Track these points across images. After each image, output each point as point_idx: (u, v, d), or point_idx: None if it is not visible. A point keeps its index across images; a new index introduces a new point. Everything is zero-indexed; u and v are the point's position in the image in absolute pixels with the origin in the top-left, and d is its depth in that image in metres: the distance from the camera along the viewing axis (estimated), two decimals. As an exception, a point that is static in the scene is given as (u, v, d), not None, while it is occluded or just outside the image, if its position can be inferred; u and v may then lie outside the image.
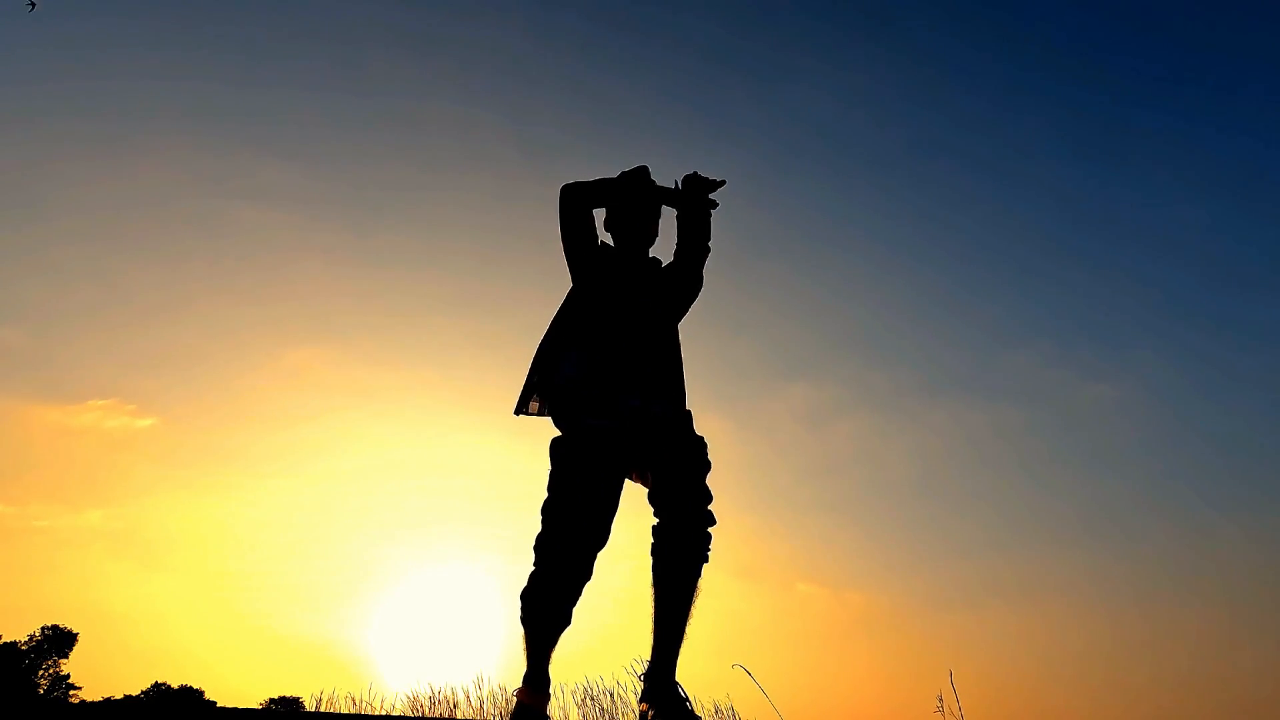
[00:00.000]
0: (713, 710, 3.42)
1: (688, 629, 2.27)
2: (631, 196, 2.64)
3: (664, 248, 2.73)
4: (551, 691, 2.30)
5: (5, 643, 32.56)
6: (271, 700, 24.52)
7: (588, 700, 3.72)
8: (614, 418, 2.35)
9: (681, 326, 2.67)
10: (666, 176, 2.69)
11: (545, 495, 2.31)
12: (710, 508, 2.32)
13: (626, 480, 2.36)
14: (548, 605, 2.24)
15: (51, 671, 33.10)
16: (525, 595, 2.27)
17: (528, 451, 2.60)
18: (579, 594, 2.25)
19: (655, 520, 2.32)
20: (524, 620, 2.26)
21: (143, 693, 32.82)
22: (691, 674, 2.29)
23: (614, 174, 2.66)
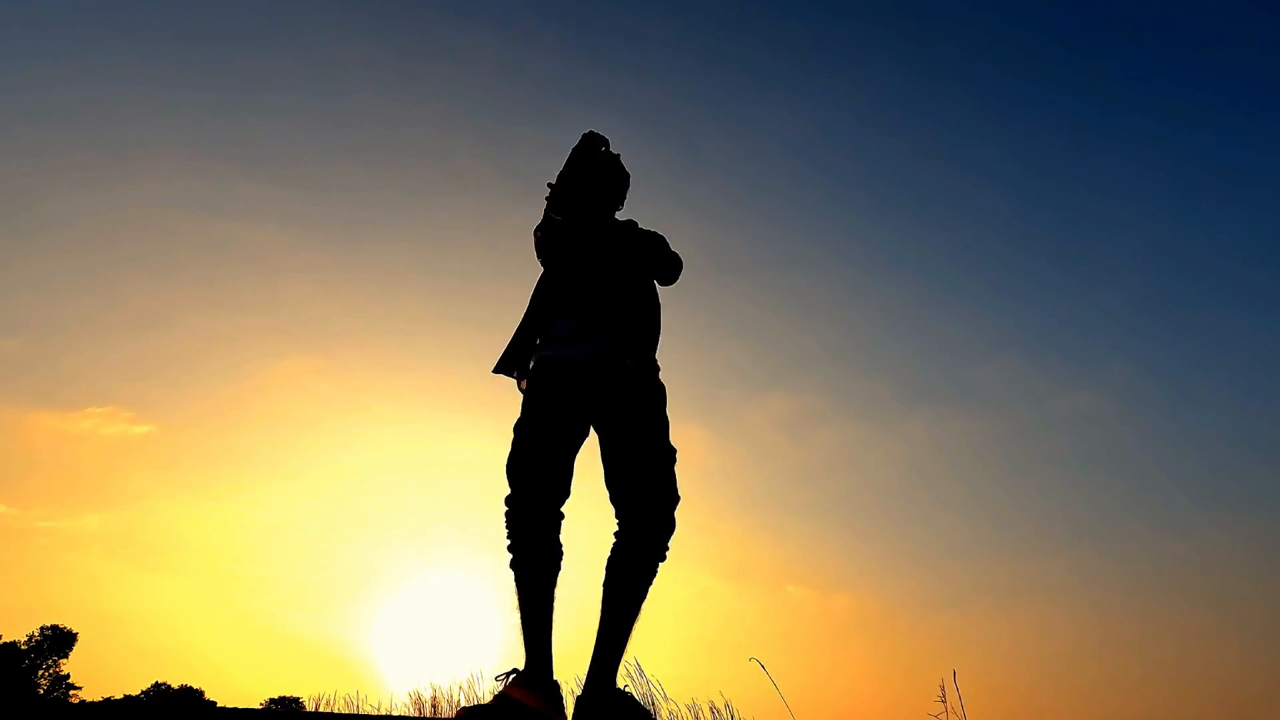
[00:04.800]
0: (709, 712, 3.43)
1: (631, 636, 2.32)
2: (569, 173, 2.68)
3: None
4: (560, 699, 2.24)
5: (5, 643, 32.56)
6: (271, 700, 24.53)
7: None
8: (576, 350, 2.42)
9: (664, 334, 2.63)
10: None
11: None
12: (676, 513, 2.37)
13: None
14: (528, 520, 2.27)
15: (51, 671, 33.10)
16: (508, 518, 2.31)
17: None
18: (557, 509, 2.30)
19: (617, 529, 2.35)
20: (513, 554, 2.28)
21: (143, 693, 32.83)
22: (687, 675, 2.29)
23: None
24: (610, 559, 2.35)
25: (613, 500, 2.37)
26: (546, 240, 2.58)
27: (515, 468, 2.33)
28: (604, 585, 2.34)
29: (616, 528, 2.36)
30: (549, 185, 2.65)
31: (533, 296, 2.62)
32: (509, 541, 2.30)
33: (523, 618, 2.26)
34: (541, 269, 2.64)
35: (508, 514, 2.32)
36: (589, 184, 2.62)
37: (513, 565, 2.29)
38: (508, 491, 2.33)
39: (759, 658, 3.00)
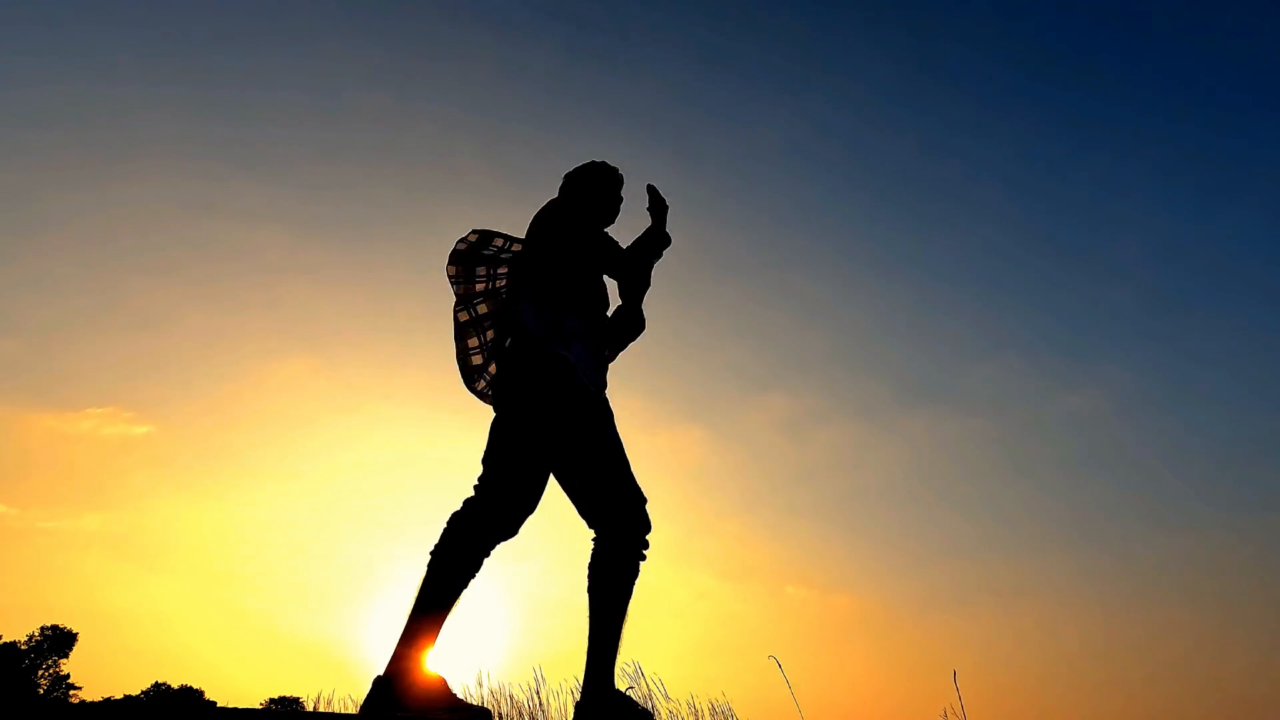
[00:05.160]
0: (708, 710, 3.44)
1: (622, 635, 2.31)
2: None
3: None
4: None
5: (5, 643, 32.55)
6: (271, 700, 24.53)
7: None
8: (595, 376, 2.40)
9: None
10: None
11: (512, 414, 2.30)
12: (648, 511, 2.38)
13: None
14: (498, 535, 2.21)
15: (51, 671, 33.10)
16: (474, 520, 2.21)
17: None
18: (513, 525, 2.23)
19: (601, 534, 2.35)
20: (452, 558, 2.18)
21: (143, 693, 32.83)
22: (687, 676, 2.30)
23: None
24: (595, 563, 2.34)
25: (590, 507, 2.37)
26: (590, 244, 2.48)
27: (514, 475, 2.25)
28: (591, 590, 2.33)
29: (599, 533, 2.36)
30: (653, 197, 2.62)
31: (530, 263, 2.49)
32: (456, 544, 2.19)
33: (429, 621, 2.17)
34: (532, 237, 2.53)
35: (477, 517, 2.22)
36: (608, 219, 2.67)
37: (446, 567, 2.18)
38: (487, 493, 2.25)
39: (757, 659, 3.01)
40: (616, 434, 2.43)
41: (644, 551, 2.36)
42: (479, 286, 2.66)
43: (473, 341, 2.65)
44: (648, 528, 2.37)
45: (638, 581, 2.36)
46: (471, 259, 2.65)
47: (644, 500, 2.39)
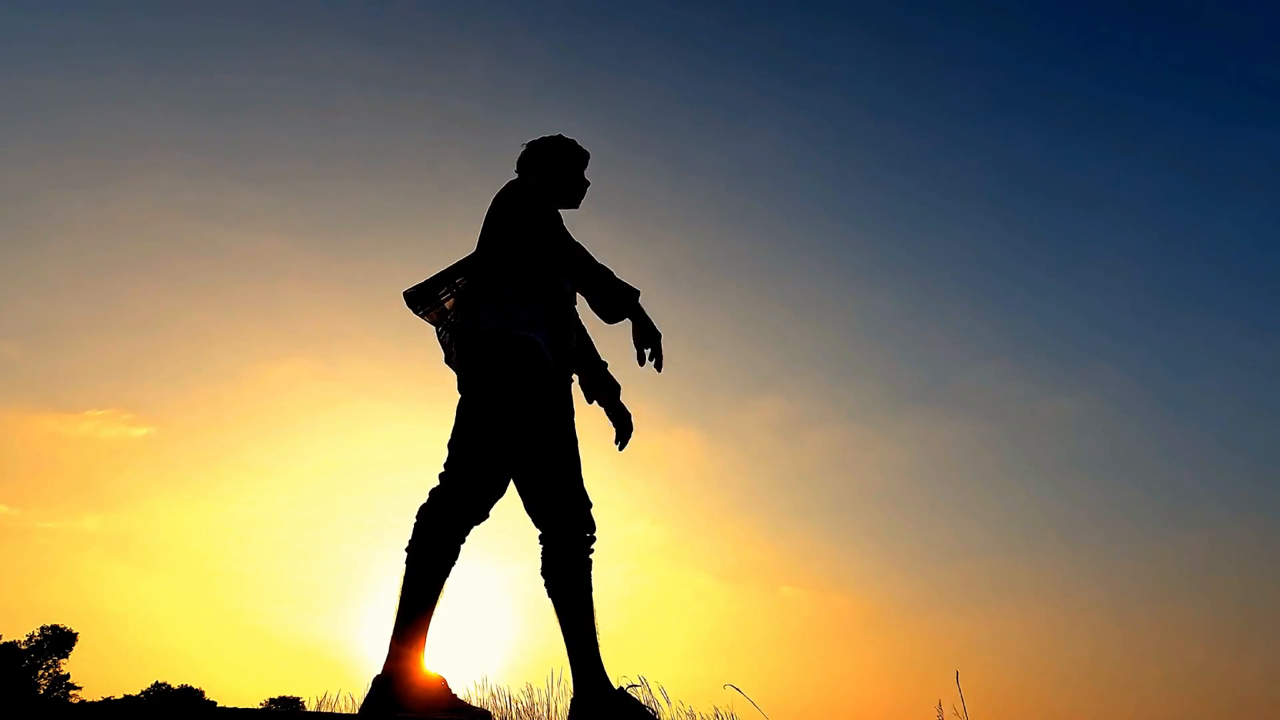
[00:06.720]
0: (713, 716, 3.42)
1: (597, 630, 2.26)
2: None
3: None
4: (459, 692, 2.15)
5: (5, 643, 32.53)
6: (271, 700, 24.52)
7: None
8: (565, 362, 2.38)
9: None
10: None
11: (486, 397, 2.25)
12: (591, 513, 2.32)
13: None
14: (467, 525, 2.20)
15: (51, 671, 33.07)
16: (431, 508, 2.21)
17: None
18: (484, 510, 2.22)
19: (550, 534, 2.29)
20: (427, 556, 2.17)
21: (143, 693, 32.79)
22: (687, 677, 2.27)
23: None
24: (548, 565, 2.27)
25: (538, 503, 2.30)
26: (548, 228, 2.35)
27: (483, 464, 2.22)
28: (553, 592, 2.26)
29: (544, 531, 2.30)
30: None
31: (487, 248, 2.44)
32: (431, 537, 2.18)
33: (418, 618, 2.16)
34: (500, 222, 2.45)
35: (447, 505, 2.21)
36: (574, 198, 2.66)
37: (425, 562, 2.17)
38: (455, 479, 2.23)
39: (754, 658, 2.99)
40: (573, 429, 2.38)
41: (591, 548, 2.30)
42: (449, 303, 2.53)
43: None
44: (593, 529, 2.31)
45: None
46: (428, 296, 2.52)
47: (590, 504, 2.33)
